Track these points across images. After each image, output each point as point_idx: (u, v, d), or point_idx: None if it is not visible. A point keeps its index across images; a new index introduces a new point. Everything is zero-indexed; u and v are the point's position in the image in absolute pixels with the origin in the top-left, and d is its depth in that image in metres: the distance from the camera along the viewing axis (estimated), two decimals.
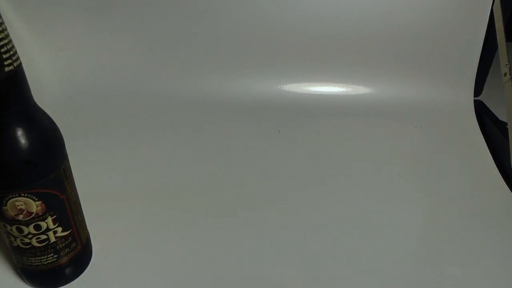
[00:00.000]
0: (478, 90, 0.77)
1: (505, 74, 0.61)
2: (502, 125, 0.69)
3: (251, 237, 0.51)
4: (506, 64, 0.61)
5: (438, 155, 0.66)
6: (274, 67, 0.76)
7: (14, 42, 0.33)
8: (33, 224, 0.37)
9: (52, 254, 0.40)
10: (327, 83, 0.76)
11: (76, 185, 0.42)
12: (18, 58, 0.33)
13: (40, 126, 0.35)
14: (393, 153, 0.65)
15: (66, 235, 0.40)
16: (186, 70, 0.76)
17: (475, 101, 0.77)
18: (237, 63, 0.76)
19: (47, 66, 0.74)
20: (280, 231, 0.51)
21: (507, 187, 0.59)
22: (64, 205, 0.39)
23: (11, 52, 0.32)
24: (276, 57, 0.75)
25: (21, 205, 0.35)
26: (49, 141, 0.36)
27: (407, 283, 0.47)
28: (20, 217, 0.36)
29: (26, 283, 0.43)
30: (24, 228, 0.37)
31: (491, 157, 0.65)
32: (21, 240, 0.38)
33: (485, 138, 0.69)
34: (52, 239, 0.39)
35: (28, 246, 0.39)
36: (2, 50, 0.31)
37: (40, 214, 0.37)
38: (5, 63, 0.31)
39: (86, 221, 0.45)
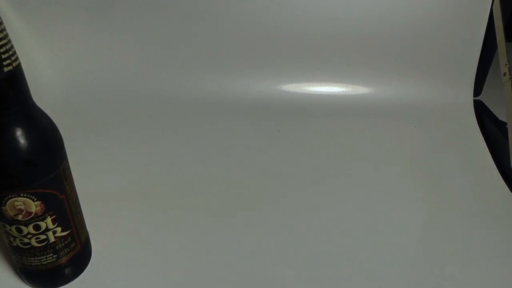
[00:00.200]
0: (477, 90, 0.77)
1: (504, 74, 0.61)
2: (502, 125, 0.69)
3: (251, 237, 0.51)
4: (506, 64, 0.61)
5: (438, 155, 0.66)
6: (274, 67, 0.76)
7: (14, 42, 0.33)
8: (33, 224, 0.37)
9: (52, 254, 0.40)
10: (326, 83, 0.77)
11: (76, 185, 0.42)
12: (17, 58, 0.33)
13: (40, 126, 0.35)
14: (392, 153, 0.65)
15: (66, 235, 0.40)
16: (186, 70, 0.76)
17: (474, 101, 0.77)
18: (237, 63, 0.76)
19: (47, 66, 0.74)
20: (280, 231, 0.51)
21: (507, 187, 0.59)
22: (64, 205, 0.39)
23: (10, 52, 0.32)
24: (276, 57, 0.76)
25: (20, 205, 0.35)
26: (48, 141, 0.36)
27: (407, 283, 0.47)
28: (20, 217, 0.36)
29: (26, 283, 0.43)
30: (23, 228, 0.37)
31: (491, 157, 0.65)
32: (20, 240, 0.38)
33: (484, 138, 0.69)
34: (52, 239, 0.39)
35: (28, 246, 0.39)
36: (1, 50, 0.31)
37: (40, 214, 0.37)
38: (4, 63, 0.31)
39: (85, 221, 0.45)
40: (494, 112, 0.74)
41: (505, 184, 0.60)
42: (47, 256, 0.40)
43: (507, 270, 0.48)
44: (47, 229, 0.38)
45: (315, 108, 0.73)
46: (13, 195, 0.35)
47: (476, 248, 0.51)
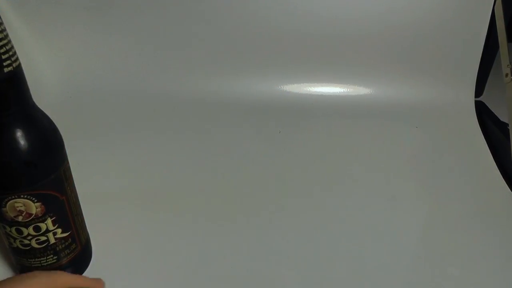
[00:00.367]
0: (479, 90, 0.77)
1: (506, 75, 0.61)
2: (503, 126, 0.68)
3: (252, 238, 0.50)
4: (508, 65, 0.61)
5: (439, 156, 0.66)
6: (275, 67, 0.76)
7: (14, 42, 0.33)
8: (33, 225, 0.37)
9: (52, 256, 0.40)
10: (327, 84, 0.76)
11: (76, 186, 0.42)
12: (17, 59, 0.33)
13: (40, 127, 0.35)
14: (393, 154, 0.65)
15: (66, 236, 0.40)
16: (186, 71, 0.76)
17: (476, 101, 0.76)
18: (237, 63, 0.76)
19: (47, 66, 0.74)
20: (281, 231, 0.51)
21: (508, 188, 0.59)
22: (64, 207, 0.38)
23: (10, 53, 0.32)
24: (277, 57, 0.75)
25: (21, 206, 0.35)
26: (48, 142, 0.36)
27: (407, 284, 0.47)
28: (20, 218, 0.36)
29: None
30: (23, 229, 0.37)
31: (492, 158, 0.65)
32: (20, 241, 0.38)
33: (486, 139, 0.68)
34: (52, 241, 0.39)
35: (28, 248, 0.38)
36: (1, 50, 0.31)
37: (40, 215, 0.36)
38: (4, 63, 0.31)
39: (86, 221, 0.45)
40: (495, 113, 0.74)
41: (506, 185, 0.60)
42: (47, 257, 0.40)
43: (507, 271, 0.48)
44: (47, 231, 0.38)
45: (316, 109, 0.73)
46: (13, 196, 0.35)
47: (477, 249, 0.51)
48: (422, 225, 0.54)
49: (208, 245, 0.49)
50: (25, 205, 0.35)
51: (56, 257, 0.40)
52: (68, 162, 0.39)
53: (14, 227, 0.36)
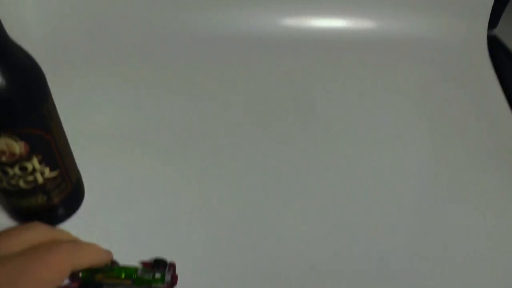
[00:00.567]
0: (493, 21, 0.72)
1: None
2: None
3: (251, 182, 0.50)
4: None
5: (447, 94, 0.63)
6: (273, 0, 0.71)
7: None
8: (18, 165, 0.35)
9: (42, 196, 0.39)
10: (329, 17, 0.72)
11: (64, 125, 0.40)
12: None
13: (17, 62, 0.33)
14: (399, 92, 0.62)
15: (55, 176, 0.39)
16: (179, 4, 0.71)
17: (488, 36, 0.72)
18: None
19: (31, 1, 0.70)
20: (281, 175, 0.50)
21: None
22: (50, 146, 0.37)
23: None
24: None
25: (3, 146, 0.33)
26: (27, 78, 0.33)
27: (412, 226, 0.46)
28: (3, 158, 0.34)
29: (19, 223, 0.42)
30: (9, 169, 0.35)
31: (504, 97, 0.62)
32: (7, 182, 0.36)
33: (498, 76, 0.65)
34: (40, 181, 0.38)
35: (16, 188, 0.37)
36: None
37: (25, 155, 0.35)
38: None
39: (76, 161, 0.43)
40: (510, 49, 0.70)
41: None
42: (37, 197, 0.39)
43: None
44: (34, 171, 0.36)
45: (316, 43, 0.69)
46: None
47: (486, 189, 0.50)
48: (430, 163, 0.53)
49: (203, 184, 0.48)
50: (7, 145, 0.33)
51: (46, 197, 0.39)
52: (52, 99, 0.36)
53: None
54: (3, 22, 0.31)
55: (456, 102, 0.61)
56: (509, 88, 0.63)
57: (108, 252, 0.37)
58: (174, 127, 0.54)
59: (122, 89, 0.59)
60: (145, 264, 0.40)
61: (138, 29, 0.68)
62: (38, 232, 0.34)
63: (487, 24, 0.71)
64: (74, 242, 0.35)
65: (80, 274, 0.36)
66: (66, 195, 0.41)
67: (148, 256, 0.41)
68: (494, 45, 0.71)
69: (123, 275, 0.37)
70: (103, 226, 0.43)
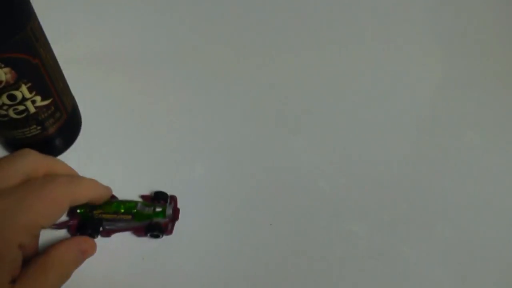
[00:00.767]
0: None
1: None
2: None
3: (254, 98, 0.47)
4: None
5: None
6: None
7: None
8: (6, 94, 0.32)
9: (35, 126, 0.36)
10: None
11: (54, 49, 0.36)
12: None
13: None
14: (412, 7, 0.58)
15: (48, 104, 0.36)
16: None
17: None
18: None
19: None
20: (287, 84, 0.48)
21: None
22: (39, 71, 0.34)
23: None
24: None
25: None
26: None
27: (423, 148, 0.44)
28: None
29: None
30: None
31: None
32: None
33: None
34: (32, 110, 0.35)
35: (6, 119, 0.35)
36: None
37: (12, 82, 0.32)
38: None
39: (71, 88, 0.40)
40: None
41: None
42: (31, 128, 0.36)
43: None
44: (24, 99, 0.34)
45: None
46: None
47: (500, 112, 0.47)
48: (440, 82, 0.50)
49: (207, 112, 0.46)
50: None
51: (40, 127, 0.37)
52: (36, 19, 0.33)
53: None
54: None
55: (468, 13, 0.57)
56: None
57: (108, 188, 0.35)
58: (176, 49, 0.51)
59: (119, 7, 0.54)
60: (144, 198, 0.38)
61: None
62: (33, 160, 0.31)
63: None
64: (73, 176, 0.33)
65: (78, 211, 0.35)
66: (62, 125, 0.38)
67: (148, 190, 0.39)
68: None
69: (122, 210, 0.35)
70: (101, 157, 0.41)
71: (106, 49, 0.50)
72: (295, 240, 0.38)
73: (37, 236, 0.31)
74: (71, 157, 0.40)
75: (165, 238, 0.36)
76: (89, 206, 0.35)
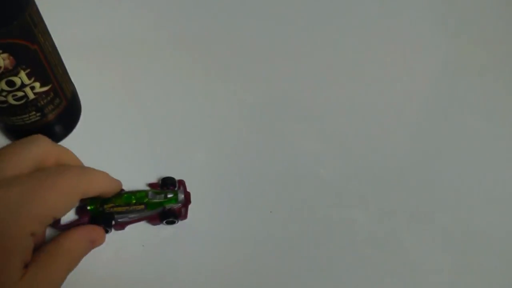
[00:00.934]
0: None
1: None
2: None
3: (255, 87, 0.47)
4: None
5: None
6: None
7: None
8: (4, 80, 0.32)
9: (35, 112, 0.36)
10: None
11: (53, 35, 0.36)
12: None
13: None
14: None
15: (47, 90, 0.36)
16: None
17: None
18: None
19: None
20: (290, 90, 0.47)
21: None
22: (38, 57, 0.33)
23: None
24: None
25: None
26: None
27: (424, 137, 0.44)
28: None
29: None
30: None
31: None
32: None
33: None
34: (31, 96, 0.35)
35: (5, 105, 0.34)
36: None
37: (10, 68, 0.32)
38: None
39: (70, 74, 0.40)
40: None
41: None
42: (30, 114, 0.36)
43: None
44: (23, 85, 0.33)
45: None
46: None
47: (504, 98, 0.47)
48: (440, 68, 0.49)
49: (209, 98, 0.46)
50: None
51: (39, 114, 0.37)
52: (35, 5, 0.32)
53: None
54: None
55: None
56: None
57: (118, 181, 0.35)
58: (177, 36, 0.50)
59: None
60: (152, 186, 0.38)
61: None
62: (44, 148, 0.31)
63: None
64: (84, 168, 0.33)
65: (88, 207, 0.34)
66: (61, 111, 0.38)
67: (153, 177, 0.39)
68: None
69: (133, 200, 0.35)
70: (101, 144, 0.41)
71: (106, 36, 0.49)
72: (295, 228, 0.38)
73: (47, 226, 0.31)
74: (70, 144, 0.39)
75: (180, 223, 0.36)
76: (99, 202, 0.34)
